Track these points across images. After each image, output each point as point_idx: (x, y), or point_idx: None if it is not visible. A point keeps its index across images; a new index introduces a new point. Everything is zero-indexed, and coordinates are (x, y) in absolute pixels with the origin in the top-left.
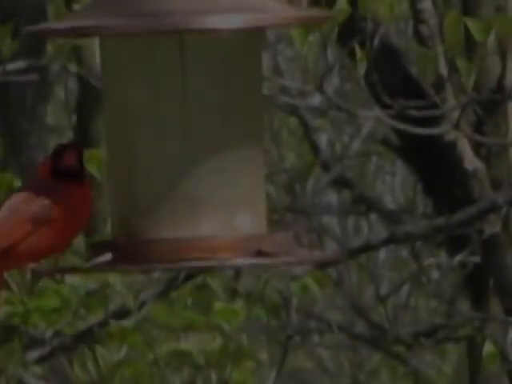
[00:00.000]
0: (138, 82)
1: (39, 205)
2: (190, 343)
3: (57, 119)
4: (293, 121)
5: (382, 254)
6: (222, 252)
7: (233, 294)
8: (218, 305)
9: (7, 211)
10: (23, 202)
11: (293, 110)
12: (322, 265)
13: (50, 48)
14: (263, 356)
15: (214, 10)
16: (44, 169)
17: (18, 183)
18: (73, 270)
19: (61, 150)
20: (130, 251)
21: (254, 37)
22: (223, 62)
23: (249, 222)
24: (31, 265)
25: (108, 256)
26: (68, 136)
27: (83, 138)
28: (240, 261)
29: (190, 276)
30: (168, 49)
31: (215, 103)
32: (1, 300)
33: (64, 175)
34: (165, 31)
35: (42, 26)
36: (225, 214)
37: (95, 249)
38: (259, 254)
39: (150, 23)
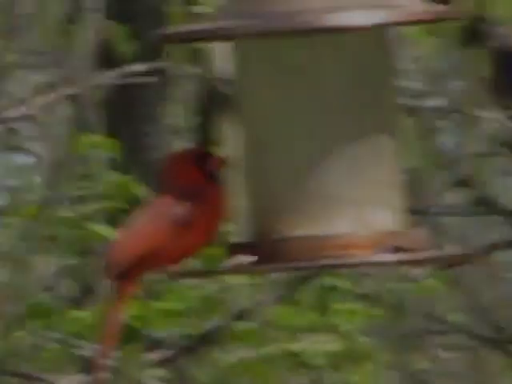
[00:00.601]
0: (269, 82)
1: (181, 208)
2: (308, 344)
3: (176, 120)
4: (413, 121)
5: (503, 254)
6: (358, 249)
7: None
8: (336, 305)
9: (149, 214)
10: (165, 204)
11: (413, 111)
12: (449, 265)
13: (169, 50)
14: (383, 357)
15: (345, 8)
16: (186, 172)
17: (138, 186)
18: (207, 272)
19: (206, 155)
20: (264, 251)
21: (385, 34)
22: (354, 59)
23: (384, 218)
24: (169, 267)
25: (245, 258)
26: (187, 138)
27: (203, 139)
28: (372, 258)
29: (309, 278)
30: (296, 48)
31: (346, 102)
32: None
33: (208, 180)
34: (296, 31)
35: (162, 30)
36: (359, 211)
37: (231, 249)
38: (397, 250)
39: (280, 23)
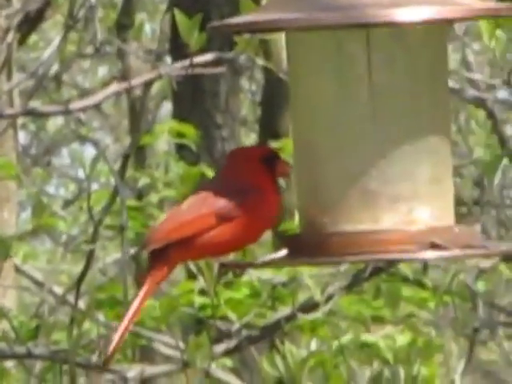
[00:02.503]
0: (323, 76)
1: (228, 201)
2: (377, 336)
3: (245, 111)
4: (481, 113)
5: None
6: (399, 245)
7: (420, 286)
8: (406, 292)
9: (195, 202)
10: (213, 195)
11: (481, 103)
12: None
13: (238, 41)
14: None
15: (400, 3)
16: (249, 169)
17: (209, 176)
18: (251, 264)
19: (273, 157)
20: (309, 244)
21: (440, 29)
22: (409, 54)
23: (430, 214)
24: (212, 257)
25: (283, 252)
26: (255, 129)
27: (269, 130)
28: (415, 254)
29: (378, 269)
30: (354, 41)
31: (401, 96)
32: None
33: (269, 181)
34: (353, 25)
35: (225, 21)
36: (405, 206)
37: (281, 241)
38: (433, 246)
39: (337, 17)
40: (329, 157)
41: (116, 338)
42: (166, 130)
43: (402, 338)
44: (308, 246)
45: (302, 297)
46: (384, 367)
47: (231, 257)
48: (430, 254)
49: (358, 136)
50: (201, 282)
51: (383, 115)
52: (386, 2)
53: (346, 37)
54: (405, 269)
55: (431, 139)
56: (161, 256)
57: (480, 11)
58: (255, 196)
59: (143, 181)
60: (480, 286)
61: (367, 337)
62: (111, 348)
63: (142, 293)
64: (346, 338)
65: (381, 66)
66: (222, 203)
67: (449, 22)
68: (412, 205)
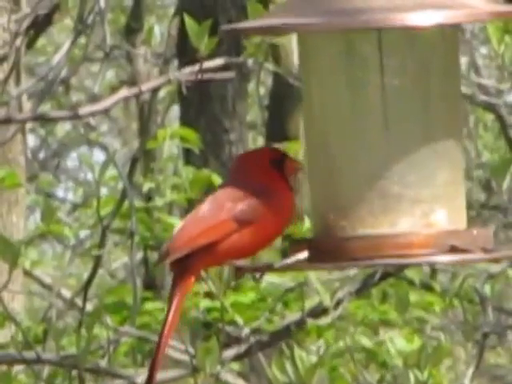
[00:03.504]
0: (336, 80)
1: (246, 205)
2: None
3: (251, 115)
4: (489, 117)
5: None
6: (417, 248)
7: (429, 290)
8: (412, 296)
9: (213, 207)
10: (230, 199)
11: (489, 107)
12: None
13: (247, 45)
14: (460, 353)
15: (413, 7)
16: (260, 170)
17: (216, 180)
18: (269, 268)
19: (282, 158)
20: (327, 249)
21: (452, 32)
22: (421, 57)
23: (446, 217)
24: (232, 262)
25: (303, 254)
26: (263, 133)
27: (276, 134)
28: (434, 257)
29: (387, 273)
30: (366, 45)
31: (414, 99)
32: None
33: (280, 182)
34: (364, 28)
35: (238, 25)
36: (422, 210)
37: (294, 246)
38: (453, 250)
39: (349, 20)
40: (345, 161)
41: (156, 357)
42: (168, 134)
43: (412, 343)
44: (325, 250)
45: (308, 302)
46: (391, 372)
47: (246, 260)
48: (450, 258)
49: (373, 140)
50: (206, 285)
51: (396, 119)
52: (398, 5)
53: (358, 41)
54: (411, 273)
55: (446, 142)
56: (183, 265)
57: (492, 14)
58: (271, 197)
59: (147, 185)
60: (487, 290)
61: (375, 343)
62: (154, 369)
63: (174, 307)
64: (354, 341)
65: (393, 69)
66: (241, 206)
67: (461, 26)
68: (430, 208)
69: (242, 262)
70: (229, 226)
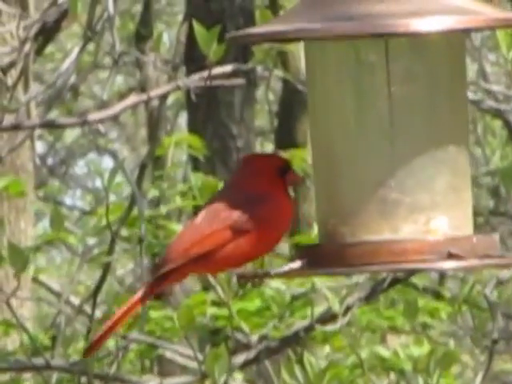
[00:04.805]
0: (342, 86)
1: (241, 214)
2: (395, 346)
3: (260, 122)
4: (497, 124)
5: None
6: (414, 255)
7: (437, 296)
8: (420, 302)
9: (208, 216)
10: (226, 208)
11: (497, 113)
12: None
13: (256, 52)
14: (467, 360)
15: (420, 13)
16: (263, 178)
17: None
18: (267, 275)
19: (285, 167)
20: (326, 254)
21: (459, 38)
22: (428, 63)
23: (447, 224)
24: (234, 269)
25: (299, 262)
26: (271, 140)
27: (285, 140)
28: (431, 264)
29: (396, 280)
30: (372, 51)
31: (420, 106)
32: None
33: (281, 191)
34: (370, 35)
35: (244, 31)
36: (423, 216)
37: (298, 253)
38: (450, 256)
39: (358, 27)
40: (347, 167)
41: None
42: (173, 142)
43: (420, 348)
44: (327, 256)
45: (315, 309)
46: (400, 379)
47: (248, 267)
48: (447, 264)
49: (377, 146)
50: (213, 293)
51: (402, 125)
52: (405, 11)
53: (364, 47)
54: (417, 279)
55: (450, 149)
56: (173, 271)
57: (499, 21)
58: (269, 205)
59: (152, 192)
60: (493, 297)
61: (384, 349)
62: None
63: (136, 298)
64: (365, 352)
65: (400, 75)
66: (236, 215)
67: (467, 32)
68: (430, 214)
69: (240, 270)
70: (224, 235)
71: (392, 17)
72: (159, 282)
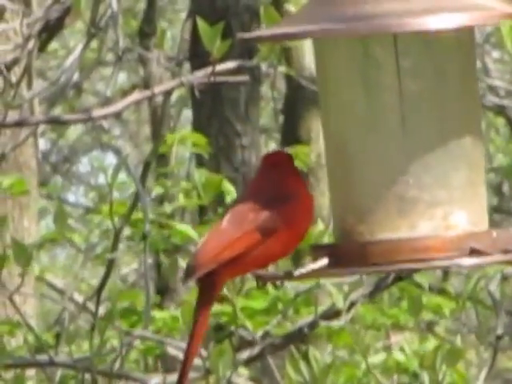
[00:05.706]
0: (353, 83)
1: (268, 214)
2: (400, 343)
3: (264, 119)
4: (500, 121)
5: None
6: (437, 252)
7: (440, 293)
8: (424, 299)
9: (235, 219)
10: (252, 210)
11: (500, 110)
12: None
13: (260, 48)
14: (471, 356)
15: (426, 11)
16: (286, 171)
17: (227, 185)
18: (289, 276)
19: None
20: (346, 254)
21: (468, 33)
22: (438, 59)
23: (466, 219)
24: (254, 271)
25: (324, 261)
26: (276, 137)
27: (290, 137)
28: (454, 261)
29: (400, 277)
30: (382, 48)
31: (431, 101)
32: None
33: (303, 187)
34: (380, 33)
35: (255, 33)
36: (441, 212)
37: (313, 252)
38: (473, 252)
39: (364, 26)
40: (362, 165)
41: (184, 372)
42: (177, 139)
43: (427, 345)
44: (347, 255)
45: (323, 304)
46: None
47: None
48: (470, 260)
49: (390, 143)
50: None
51: (414, 121)
52: (415, 9)
53: (373, 44)
54: (421, 276)
55: (464, 144)
56: (209, 279)
57: (509, 16)
58: (294, 203)
59: (156, 190)
60: (499, 292)
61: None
62: (184, 380)
63: (200, 321)
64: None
65: (410, 72)
66: (264, 216)
67: (474, 28)
68: (449, 210)
69: (261, 271)
70: (254, 237)
71: (405, 15)
72: (209, 291)
